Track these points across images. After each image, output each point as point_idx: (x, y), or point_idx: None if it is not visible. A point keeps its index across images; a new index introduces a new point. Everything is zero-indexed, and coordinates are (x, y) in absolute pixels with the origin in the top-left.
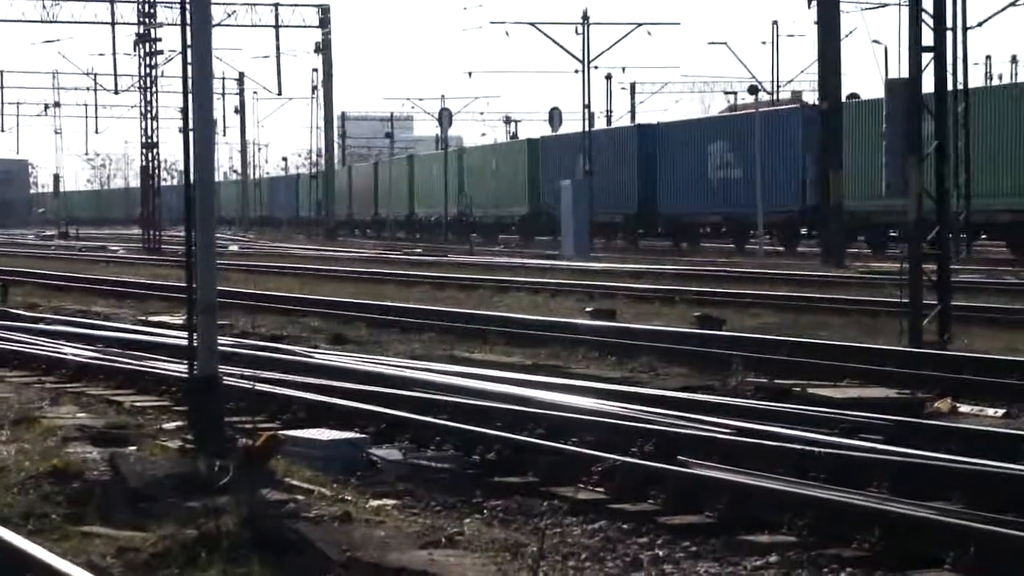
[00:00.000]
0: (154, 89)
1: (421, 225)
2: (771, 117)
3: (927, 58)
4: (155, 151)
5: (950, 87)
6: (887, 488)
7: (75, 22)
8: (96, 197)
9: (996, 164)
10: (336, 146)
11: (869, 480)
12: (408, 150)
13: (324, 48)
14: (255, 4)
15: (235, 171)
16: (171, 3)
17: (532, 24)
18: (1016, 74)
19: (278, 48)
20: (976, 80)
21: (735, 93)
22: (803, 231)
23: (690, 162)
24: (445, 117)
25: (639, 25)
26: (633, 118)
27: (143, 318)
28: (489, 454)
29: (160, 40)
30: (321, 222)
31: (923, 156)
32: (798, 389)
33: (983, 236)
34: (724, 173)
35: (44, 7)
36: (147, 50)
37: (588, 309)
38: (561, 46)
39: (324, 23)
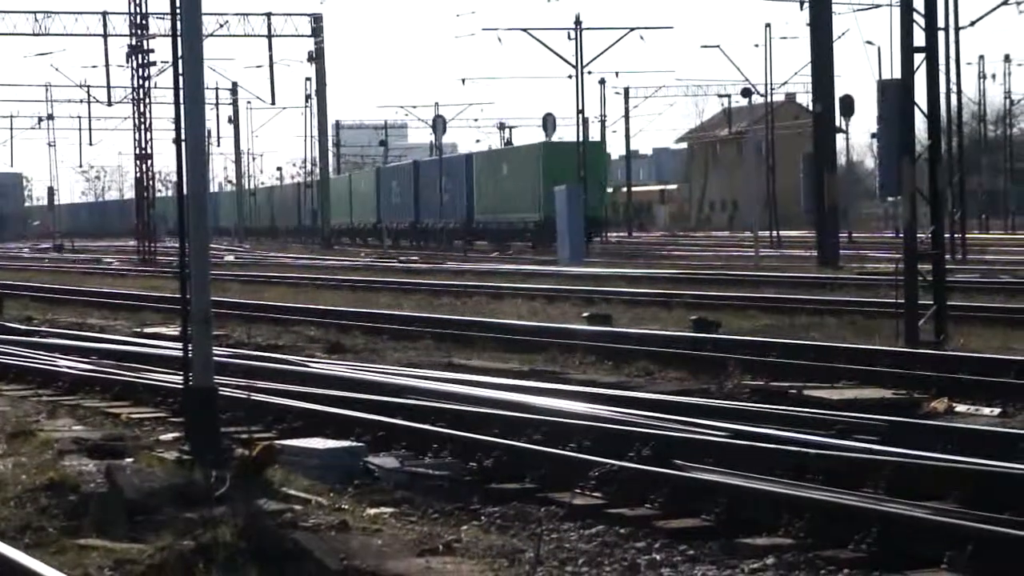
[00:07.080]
0: (147, 100)
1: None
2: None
3: (919, 59)
4: (149, 162)
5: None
6: (883, 489)
7: (67, 34)
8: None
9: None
10: (331, 155)
11: (865, 481)
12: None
13: (317, 57)
14: (247, 14)
15: (230, 181)
16: (163, 14)
17: (525, 30)
18: (1009, 73)
19: (271, 58)
20: (969, 81)
21: (729, 96)
22: None
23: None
24: (439, 124)
25: (632, 30)
26: (627, 123)
27: (138, 330)
28: (486, 461)
29: (153, 52)
30: (317, 231)
31: (916, 157)
32: (794, 391)
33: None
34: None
35: (36, 19)
36: (139, 62)
37: (584, 314)
38: (554, 52)
39: (317, 32)
